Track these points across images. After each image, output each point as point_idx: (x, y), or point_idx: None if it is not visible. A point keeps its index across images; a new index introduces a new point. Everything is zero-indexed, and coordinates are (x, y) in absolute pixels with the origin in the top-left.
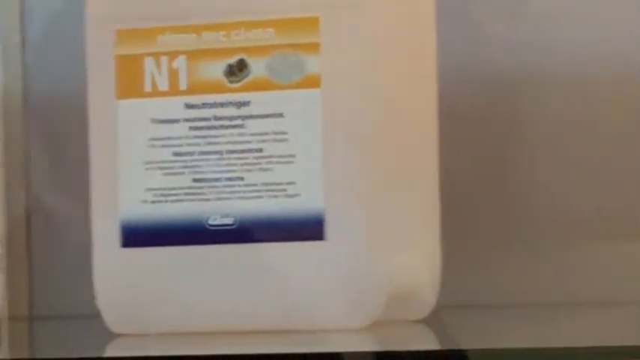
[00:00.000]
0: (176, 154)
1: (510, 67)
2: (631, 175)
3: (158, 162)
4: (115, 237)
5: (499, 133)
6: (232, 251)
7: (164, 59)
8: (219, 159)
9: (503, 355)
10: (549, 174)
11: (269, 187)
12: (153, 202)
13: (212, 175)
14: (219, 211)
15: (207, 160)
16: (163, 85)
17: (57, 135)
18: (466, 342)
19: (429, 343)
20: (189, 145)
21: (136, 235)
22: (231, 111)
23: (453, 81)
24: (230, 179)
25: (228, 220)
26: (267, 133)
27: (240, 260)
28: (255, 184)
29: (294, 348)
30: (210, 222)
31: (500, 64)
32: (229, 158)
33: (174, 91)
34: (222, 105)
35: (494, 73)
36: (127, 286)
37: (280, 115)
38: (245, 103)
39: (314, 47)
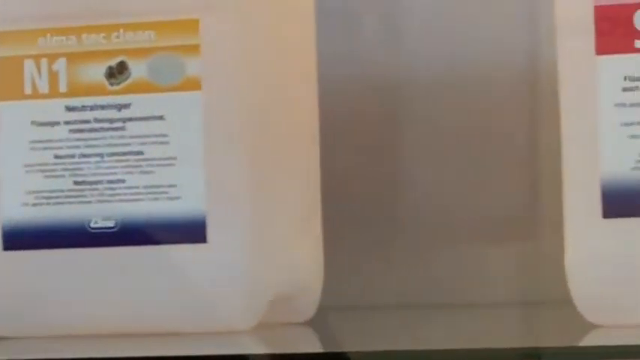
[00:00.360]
0: (57, 156)
1: (390, 68)
2: (513, 176)
3: (39, 164)
4: None
5: (380, 133)
6: (114, 254)
7: (44, 61)
8: (100, 161)
9: (386, 357)
10: (432, 174)
11: (150, 190)
12: (34, 204)
13: (93, 177)
14: (101, 213)
15: (88, 162)
16: (44, 87)
17: None
18: (350, 344)
19: (312, 345)
20: (69, 147)
21: (18, 239)
22: (112, 113)
23: (334, 81)
24: (111, 182)
25: (110, 223)
26: (147, 136)
27: (122, 263)
28: (137, 187)
29: (169, 351)
30: (92, 225)
31: (380, 65)
32: (110, 161)
33: (54, 93)
34: (102, 107)
35: (374, 75)
36: (8, 290)
37: (161, 117)
38: (125, 106)
39: (194, 49)
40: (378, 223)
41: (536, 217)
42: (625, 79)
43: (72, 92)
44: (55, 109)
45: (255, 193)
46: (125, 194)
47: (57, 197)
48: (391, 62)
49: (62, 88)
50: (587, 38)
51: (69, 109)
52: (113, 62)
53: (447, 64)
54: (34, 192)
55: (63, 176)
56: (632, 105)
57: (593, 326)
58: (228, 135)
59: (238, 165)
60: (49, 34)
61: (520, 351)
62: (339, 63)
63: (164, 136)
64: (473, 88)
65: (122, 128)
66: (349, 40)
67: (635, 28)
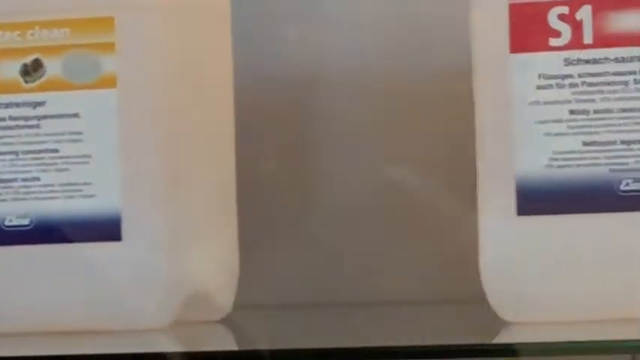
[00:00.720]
0: None
1: (305, 65)
2: (432, 173)
3: None
4: None
5: (295, 132)
6: (29, 252)
7: None
8: (14, 159)
9: (300, 356)
10: (349, 171)
11: (65, 188)
12: None
13: (8, 175)
14: (15, 211)
15: (3, 160)
16: None
17: None
18: (263, 342)
19: (227, 343)
20: None
21: None
22: (27, 111)
23: (249, 79)
24: (26, 180)
25: (25, 221)
26: (62, 134)
27: (37, 261)
28: (52, 185)
29: (83, 349)
30: (7, 223)
31: (296, 62)
32: (25, 159)
33: None
34: (17, 105)
35: (289, 73)
36: None
37: (76, 115)
38: (40, 103)
39: (110, 47)
40: (294, 220)
41: (452, 213)
42: (539, 77)
43: None
44: None
45: (170, 192)
46: (40, 192)
47: None
48: (306, 59)
49: None
50: (502, 36)
51: None
52: (28, 60)
53: (364, 61)
54: None
55: None
56: (546, 103)
57: (507, 324)
58: (144, 133)
59: (153, 163)
60: None
61: (433, 348)
62: (254, 61)
63: (79, 133)
64: (391, 84)
65: (37, 126)
66: (264, 39)
67: (550, 26)
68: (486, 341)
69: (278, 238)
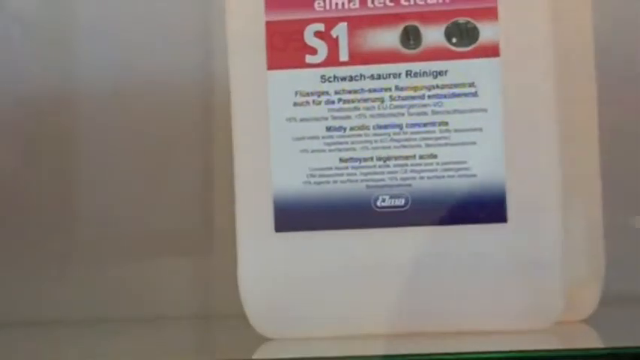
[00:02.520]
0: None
1: (61, 81)
2: (187, 191)
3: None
4: None
5: (52, 147)
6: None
7: None
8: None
9: None
10: (107, 189)
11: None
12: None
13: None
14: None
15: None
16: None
17: None
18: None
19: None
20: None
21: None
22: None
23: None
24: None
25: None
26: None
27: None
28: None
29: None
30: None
31: (52, 78)
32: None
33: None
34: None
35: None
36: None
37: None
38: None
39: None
40: (53, 237)
41: (210, 230)
42: (296, 94)
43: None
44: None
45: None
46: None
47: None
48: (61, 75)
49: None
50: (259, 53)
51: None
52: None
53: (118, 79)
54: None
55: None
56: (302, 120)
57: (266, 339)
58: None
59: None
60: None
61: None
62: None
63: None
64: (147, 102)
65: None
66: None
67: (306, 44)
68: (242, 357)
69: (37, 255)
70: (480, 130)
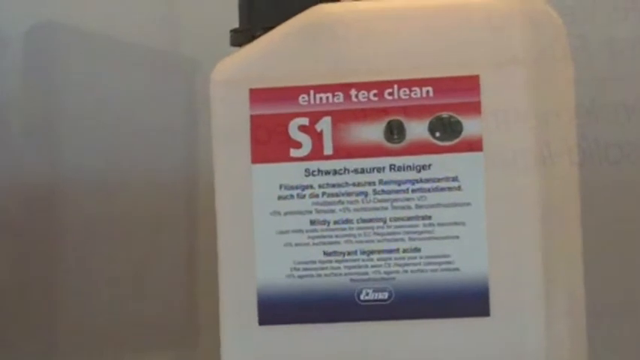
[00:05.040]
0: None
1: (47, 175)
2: (172, 283)
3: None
4: None
5: (34, 240)
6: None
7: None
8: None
9: None
10: (90, 282)
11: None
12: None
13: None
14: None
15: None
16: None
17: None
18: None
19: None
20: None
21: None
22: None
23: None
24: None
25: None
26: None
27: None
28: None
29: None
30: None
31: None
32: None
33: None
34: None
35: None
36: None
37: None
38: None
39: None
40: (36, 333)
41: (193, 324)
42: (280, 187)
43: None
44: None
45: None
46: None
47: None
48: (47, 169)
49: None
50: (243, 146)
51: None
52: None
53: (104, 172)
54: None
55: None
56: (286, 213)
57: None
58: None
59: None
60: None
61: None
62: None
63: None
64: (132, 194)
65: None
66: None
67: (291, 137)
68: None
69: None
70: (463, 224)
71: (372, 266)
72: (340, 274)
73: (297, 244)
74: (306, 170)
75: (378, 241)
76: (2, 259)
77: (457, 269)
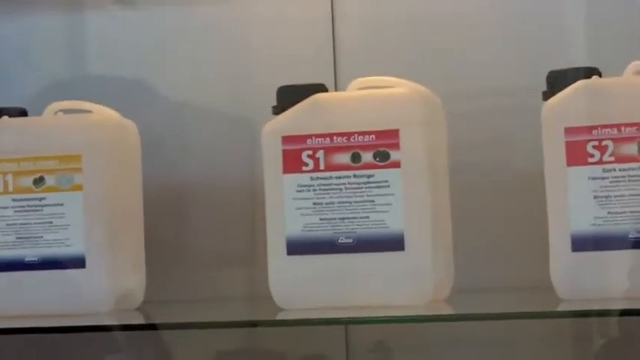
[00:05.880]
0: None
1: None
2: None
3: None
4: None
5: None
6: None
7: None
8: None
9: None
10: None
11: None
12: None
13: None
14: None
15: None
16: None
17: None
18: None
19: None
20: None
21: None
22: (34, 202)
23: None
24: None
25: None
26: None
27: None
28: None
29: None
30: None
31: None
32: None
33: None
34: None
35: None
36: None
37: (61, 205)
38: (43, 198)
39: (78, 169)
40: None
41: (253, 252)
42: (298, 186)
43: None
44: None
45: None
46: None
47: None
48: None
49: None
50: (278, 165)
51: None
52: (36, 176)
53: (184, 185)
54: None
55: None
56: (301, 199)
57: None
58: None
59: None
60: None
61: None
62: None
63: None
64: (204, 202)
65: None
66: None
67: (302, 161)
68: None
69: None
70: (390, 204)
71: (345, 226)
72: (328, 230)
73: (306, 215)
74: (310, 177)
75: (348, 212)
76: None
77: (387, 227)
